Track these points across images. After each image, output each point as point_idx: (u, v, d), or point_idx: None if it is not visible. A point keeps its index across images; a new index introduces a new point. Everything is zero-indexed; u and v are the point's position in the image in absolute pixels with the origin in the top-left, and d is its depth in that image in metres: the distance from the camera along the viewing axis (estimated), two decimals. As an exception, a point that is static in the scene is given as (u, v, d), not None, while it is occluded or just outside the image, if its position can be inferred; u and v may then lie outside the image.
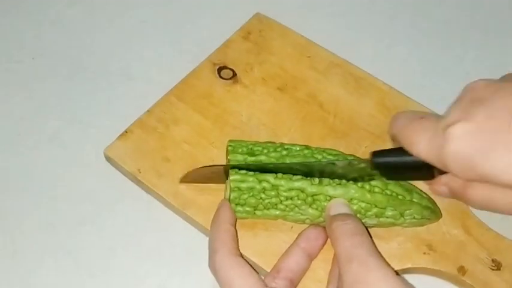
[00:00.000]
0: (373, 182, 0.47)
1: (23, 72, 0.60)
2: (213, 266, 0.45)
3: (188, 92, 0.56)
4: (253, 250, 0.48)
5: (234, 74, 0.57)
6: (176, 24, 0.63)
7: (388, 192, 0.47)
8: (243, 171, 0.47)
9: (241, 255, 0.45)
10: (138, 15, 0.64)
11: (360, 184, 0.47)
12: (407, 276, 0.49)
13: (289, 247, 0.47)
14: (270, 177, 0.47)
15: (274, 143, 0.50)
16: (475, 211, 0.50)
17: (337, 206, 0.46)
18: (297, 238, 0.48)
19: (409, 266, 0.48)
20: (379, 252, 0.43)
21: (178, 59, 0.61)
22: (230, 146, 0.49)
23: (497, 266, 0.48)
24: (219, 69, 0.57)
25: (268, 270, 0.47)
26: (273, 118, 0.55)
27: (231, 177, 0.47)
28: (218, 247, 0.45)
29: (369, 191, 0.47)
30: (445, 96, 0.58)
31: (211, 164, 0.51)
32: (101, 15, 0.64)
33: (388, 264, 0.42)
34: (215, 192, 0.50)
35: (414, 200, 0.48)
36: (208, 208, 0.50)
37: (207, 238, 0.49)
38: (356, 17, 0.65)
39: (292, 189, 0.47)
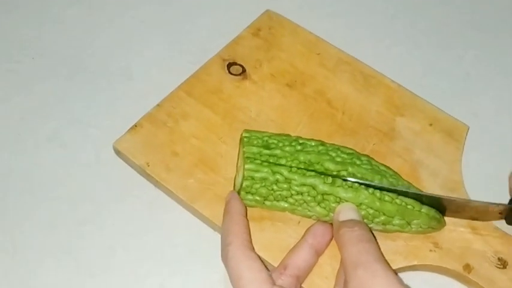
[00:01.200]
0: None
1: (23, 72, 0.60)
2: (225, 257, 0.45)
3: (198, 87, 0.56)
4: (259, 245, 0.48)
5: (244, 70, 0.57)
6: (176, 23, 0.63)
7: (398, 201, 0.47)
8: (258, 161, 0.47)
9: (253, 249, 0.45)
10: (138, 15, 0.64)
11: (370, 190, 0.47)
12: (413, 273, 0.49)
13: (296, 243, 0.47)
14: (284, 170, 0.47)
15: (289, 135, 0.50)
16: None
17: (347, 212, 0.46)
18: (304, 234, 0.48)
19: (415, 263, 0.48)
20: (386, 259, 0.43)
21: (178, 59, 0.61)
22: (246, 137, 0.49)
23: (503, 264, 0.48)
24: (229, 65, 0.57)
25: (275, 265, 0.47)
26: (281, 114, 0.55)
27: (246, 166, 0.47)
28: (231, 240, 0.45)
29: (379, 199, 0.47)
30: (445, 96, 0.59)
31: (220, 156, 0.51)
32: (101, 15, 0.64)
33: (394, 272, 0.42)
34: (223, 187, 0.51)
35: (423, 210, 0.48)
36: (216, 202, 0.50)
37: (209, 236, 0.50)
38: (356, 16, 0.65)
39: (305, 185, 0.47)
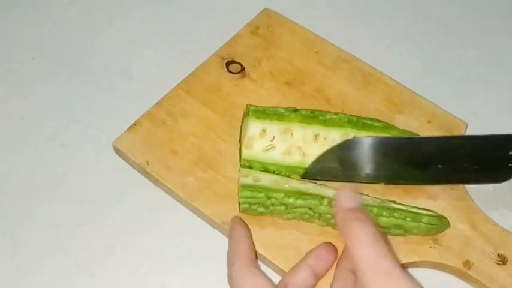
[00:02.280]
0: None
1: (23, 72, 0.60)
2: (229, 277, 0.45)
3: (196, 86, 0.56)
4: (260, 242, 0.48)
5: (242, 68, 0.57)
6: (176, 23, 0.63)
7: (397, 215, 0.47)
8: (253, 188, 0.47)
9: (258, 266, 0.45)
10: (138, 15, 0.64)
11: (369, 208, 0.47)
12: (413, 270, 0.49)
13: (297, 263, 0.46)
14: (278, 195, 0.47)
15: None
16: (481, 206, 0.50)
17: (347, 199, 0.43)
18: (306, 255, 0.47)
19: (415, 259, 0.48)
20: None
21: (178, 59, 0.61)
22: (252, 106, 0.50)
23: (502, 260, 0.48)
24: (228, 64, 0.57)
25: (275, 263, 0.47)
26: (280, 112, 0.55)
27: (241, 194, 0.47)
28: (235, 259, 0.45)
29: (376, 215, 0.47)
30: (445, 96, 0.59)
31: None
32: (101, 15, 0.64)
33: (408, 273, 0.40)
34: (222, 185, 0.51)
35: (423, 220, 0.47)
36: (216, 200, 0.50)
37: (209, 236, 0.50)
38: (356, 16, 0.65)
39: (302, 207, 0.47)
